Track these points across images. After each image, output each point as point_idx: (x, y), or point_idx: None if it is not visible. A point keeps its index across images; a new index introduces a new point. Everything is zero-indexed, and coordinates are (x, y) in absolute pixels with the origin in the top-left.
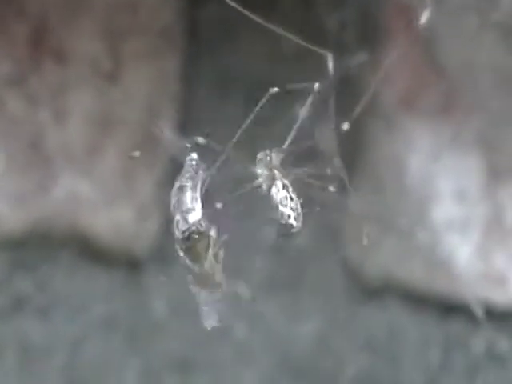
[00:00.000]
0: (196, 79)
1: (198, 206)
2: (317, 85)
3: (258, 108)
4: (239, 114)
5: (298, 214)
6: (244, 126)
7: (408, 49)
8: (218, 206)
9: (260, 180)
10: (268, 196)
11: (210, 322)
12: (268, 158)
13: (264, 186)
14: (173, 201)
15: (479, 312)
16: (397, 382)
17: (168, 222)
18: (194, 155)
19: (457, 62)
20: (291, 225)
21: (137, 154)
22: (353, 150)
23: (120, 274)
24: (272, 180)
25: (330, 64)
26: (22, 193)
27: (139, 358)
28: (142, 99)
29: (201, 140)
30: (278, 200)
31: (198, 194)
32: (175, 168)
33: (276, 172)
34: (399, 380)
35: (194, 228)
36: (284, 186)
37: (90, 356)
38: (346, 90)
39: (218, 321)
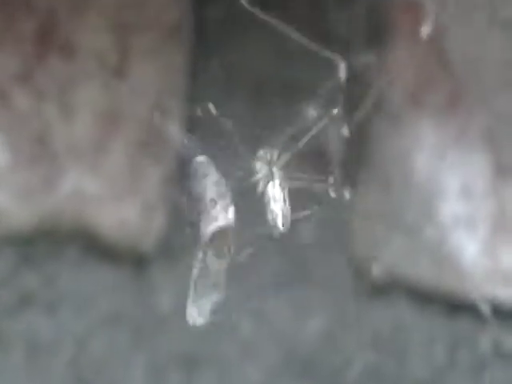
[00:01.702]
0: (203, 76)
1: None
2: (336, 111)
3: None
4: (246, 112)
5: (286, 219)
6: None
7: (414, 45)
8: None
9: (258, 176)
10: (264, 193)
11: (199, 319)
12: (269, 155)
13: (261, 183)
14: (211, 194)
15: (486, 310)
16: (403, 379)
17: (174, 218)
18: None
19: (464, 58)
20: (276, 225)
21: (157, 116)
22: (359, 146)
23: (126, 270)
24: (270, 178)
25: (342, 71)
26: (29, 188)
27: (145, 354)
28: (149, 95)
29: (212, 108)
30: (272, 196)
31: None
32: (182, 164)
33: (275, 171)
34: (405, 377)
35: (231, 223)
36: (281, 186)
37: (96, 351)
38: (351, 88)
39: (206, 319)
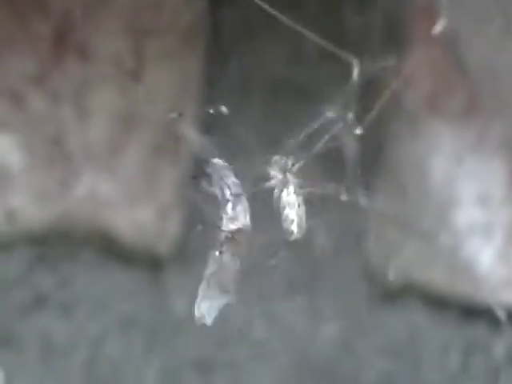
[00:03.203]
0: (218, 79)
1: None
2: (350, 115)
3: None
4: (261, 114)
5: (301, 224)
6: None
7: (432, 51)
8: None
9: (273, 182)
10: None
11: (207, 318)
12: (283, 161)
13: (276, 190)
14: (229, 195)
15: (501, 316)
16: None
17: (190, 221)
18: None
19: (480, 64)
20: (292, 231)
21: (174, 114)
22: (375, 152)
23: (141, 273)
24: (285, 184)
25: (356, 71)
26: (44, 190)
27: (159, 357)
28: (164, 98)
29: (224, 109)
30: (286, 202)
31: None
32: (197, 167)
33: (290, 178)
34: (420, 382)
35: (249, 224)
36: (295, 192)
37: (110, 354)
38: (368, 93)
39: (214, 319)
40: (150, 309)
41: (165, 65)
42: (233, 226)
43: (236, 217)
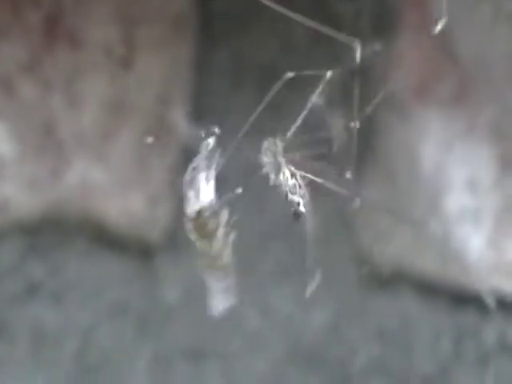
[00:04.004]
0: (209, 67)
1: (211, 185)
2: (329, 73)
3: (272, 93)
4: (251, 102)
5: (306, 201)
6: (257, 112)
7: (422, 38)
8: (238, 191)
9: (267, 168)
10: (277, 184)
11: (217, 308)
12: (274, 145)
13: (271, 175)
14: (187, 178)
15: (491, 302)
16: (408, 371)
17: (181, 209)
18: (211, 140)
19: (470, 51)
20: (301, 212)
21: (150, 139)
22: (366, 139)
23: (132, 261)
24: (278, 168)
25: (358, 53)
26: (35, 178)
27: (151, 345)
28: (155, 86)
29: (216, 130)
30: (288, 188)
31: (211, 175)
32: (188, 155)
33: (282, 159)
34: (411, 369)
35: (205, 205)
36: (292, 175)
37: (102, 342)
38: (358, 79)
39: (225, 307)
40: (141, 297)
41: (155, 53)
42: (189, 209)
43: (190, 199)
